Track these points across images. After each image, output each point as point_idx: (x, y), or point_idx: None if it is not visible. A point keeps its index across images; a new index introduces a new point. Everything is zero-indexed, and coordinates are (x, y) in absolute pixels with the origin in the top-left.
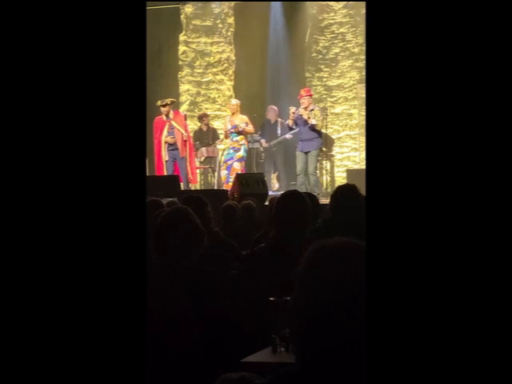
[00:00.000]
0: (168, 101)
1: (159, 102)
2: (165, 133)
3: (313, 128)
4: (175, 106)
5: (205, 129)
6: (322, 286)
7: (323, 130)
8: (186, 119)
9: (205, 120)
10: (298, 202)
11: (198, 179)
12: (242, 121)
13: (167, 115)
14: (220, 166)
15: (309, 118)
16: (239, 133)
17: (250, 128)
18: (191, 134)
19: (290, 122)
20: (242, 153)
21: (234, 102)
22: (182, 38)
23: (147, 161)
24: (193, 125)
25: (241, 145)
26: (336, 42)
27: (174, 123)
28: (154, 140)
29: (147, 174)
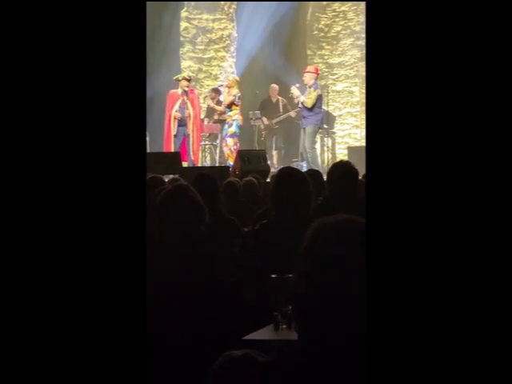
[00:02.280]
0: (188, 76)
1: (183, 75)
2: (176, 107)
3: (303, 105)
4: (177, 83)
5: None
6: (324, 263)
7: (324, 108)
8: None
9: (215, 96)
10: (294, 178)
11: (201, 156)
12: (229, 94)
13: (185, 90)
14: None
15: (297, 96)
16: (229, 106)
17: (227, 99)
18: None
19: (295, 101)
20: (234, 128)
21: (231, 77)
22: (183, 14)
23: (155, 137)
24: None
25: (233, 120)
26: (337, 20)
27: (186, 99)
28: (166, 113)
29: (156, 150)
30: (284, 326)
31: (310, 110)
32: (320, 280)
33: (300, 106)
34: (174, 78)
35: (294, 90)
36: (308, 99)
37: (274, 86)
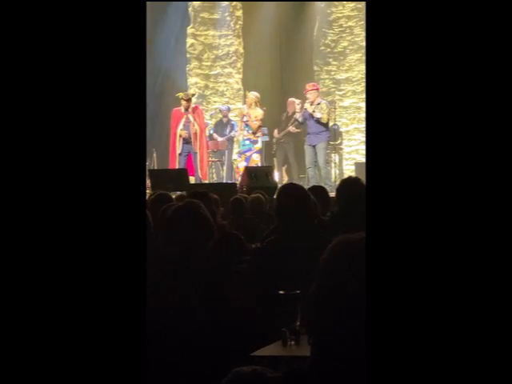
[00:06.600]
0: (190, 94)
1: (181, 95)
2: (180, 126)
3: (318, 121)
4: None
5: (225, 121)
6: (344, 279)
7: (331, 123)
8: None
9: (225, 113)
10: (295, 194)
11: (208, 172)
12: (254, 115)
13: (187, 109)
14: (238, 157)
15: (314, 111)
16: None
17: (254, 124)
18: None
19: (296, 115)
20: (259, 145)
21: (251, 95)
22: (189, 30)
23: (162, 154)
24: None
25: (257, 137)
26: (344, 35)
27: (190, 117)
28: (171, 131)
29: (163, 167)
30: (292, 343)
31: (326, 125)
32: (340, 295)
33: (304, 121)
34: (177, 95)
35: (307, 105)
36: (324, 115)
37: (293, 100)
